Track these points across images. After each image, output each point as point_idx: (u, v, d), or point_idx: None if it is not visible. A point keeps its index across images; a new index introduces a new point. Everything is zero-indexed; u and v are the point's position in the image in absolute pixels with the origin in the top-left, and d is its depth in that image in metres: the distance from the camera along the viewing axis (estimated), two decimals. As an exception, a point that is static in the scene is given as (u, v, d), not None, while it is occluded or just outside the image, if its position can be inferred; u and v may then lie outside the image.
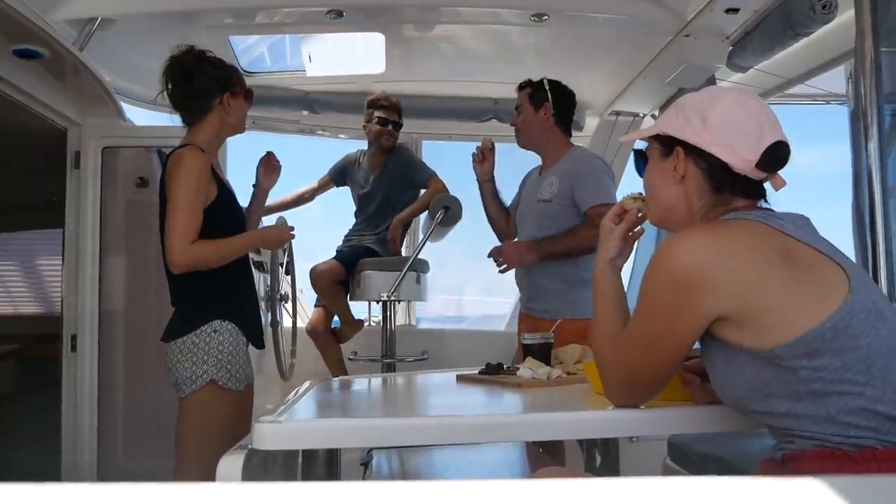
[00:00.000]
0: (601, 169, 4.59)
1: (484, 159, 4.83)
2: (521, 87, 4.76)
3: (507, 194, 5.06)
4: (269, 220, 4.83)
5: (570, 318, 4.17)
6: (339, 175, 6.26)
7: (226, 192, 3.60)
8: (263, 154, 3.98)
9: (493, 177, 4.88)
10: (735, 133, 2.05)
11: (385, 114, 5.89)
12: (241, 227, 3.67)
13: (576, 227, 4.40)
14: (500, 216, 4.97)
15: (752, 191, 2.11)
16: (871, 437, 1.78)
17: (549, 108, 4.63)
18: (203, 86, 3.57)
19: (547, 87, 4.66)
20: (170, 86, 3.60)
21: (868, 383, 1.79)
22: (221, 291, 3.51)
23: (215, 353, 3.38)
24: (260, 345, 3.71)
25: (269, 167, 3.96)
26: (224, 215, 3.54)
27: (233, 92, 3.62)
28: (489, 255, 4.54)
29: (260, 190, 3.99)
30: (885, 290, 3.22)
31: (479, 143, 4.89)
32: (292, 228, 3.88)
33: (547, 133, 4.67)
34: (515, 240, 4.75)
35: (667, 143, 2.19)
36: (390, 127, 5.89)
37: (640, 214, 2.35)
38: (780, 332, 1.82)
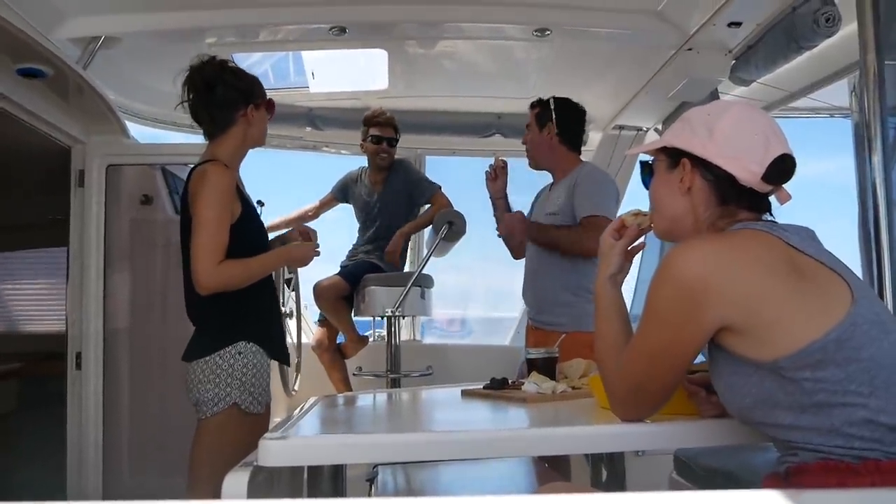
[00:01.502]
0: (603, 182, 4.62)
1: (496, 177, 4.84)
2: (531, 107, 4.78)
3: (516, 207, 5.06)
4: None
5: (578, 330, 4.18)
6: (342, 193, 6.28)
7: (250, 209, 3.53)
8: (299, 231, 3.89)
9: (506, 194, 4.89)
10: (741, 145, 2.06)
11: (379, 131, 5.91)
12: (265, 245, 3.61)
13: (570, 226, 4.42)
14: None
15: (757, 203, 2.12)
16: (875, 448, 1.78)
17: (552, 127, 4.66)
18: (227, 97, 3.46)
19: (552, 107, 4.67)
20: (191, 96, 3.47)
21: (872, 394, 1.79)
22: (246, 312, 3.41)
23: (239, 375, 3.30)
24: (286, 361, 3.65)
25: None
26: (249, 233, 3.46)
27: (256, 104, 3.53)
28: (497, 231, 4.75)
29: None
30: (891, 303, 3.21)
31: (491, 161, 4.90)
32: (317, 245, 3.79)
33: (552, 152, 4.70)
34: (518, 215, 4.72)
35: (673, 156, 2.19)
36: (384, 144, 5.90)
37: (640, 228, 2.35)
38: (784, 343, 1.82)
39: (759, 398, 1.89)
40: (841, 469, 1.78)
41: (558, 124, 4.66)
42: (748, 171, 2.04)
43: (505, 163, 4.87)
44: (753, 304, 1.86)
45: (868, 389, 1.79)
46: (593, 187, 4.53)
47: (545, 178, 4.91)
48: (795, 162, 2.08)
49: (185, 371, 3.42)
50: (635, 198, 6.68)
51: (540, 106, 4.74)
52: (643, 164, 2.38)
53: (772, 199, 2.16)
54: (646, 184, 2.35)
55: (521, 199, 5.03)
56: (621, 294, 2.34)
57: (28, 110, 4.31)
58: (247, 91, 3.52)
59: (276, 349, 3.58)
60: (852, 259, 3.96)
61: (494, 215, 4.95)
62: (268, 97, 3.64)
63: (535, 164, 4.82)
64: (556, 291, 4.54)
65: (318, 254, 3.77)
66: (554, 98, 4.72)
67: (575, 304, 4.44)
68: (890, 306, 3.23)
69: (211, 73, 3.46)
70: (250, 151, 3.63)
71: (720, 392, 2.05)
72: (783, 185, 2.12)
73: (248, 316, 3.43)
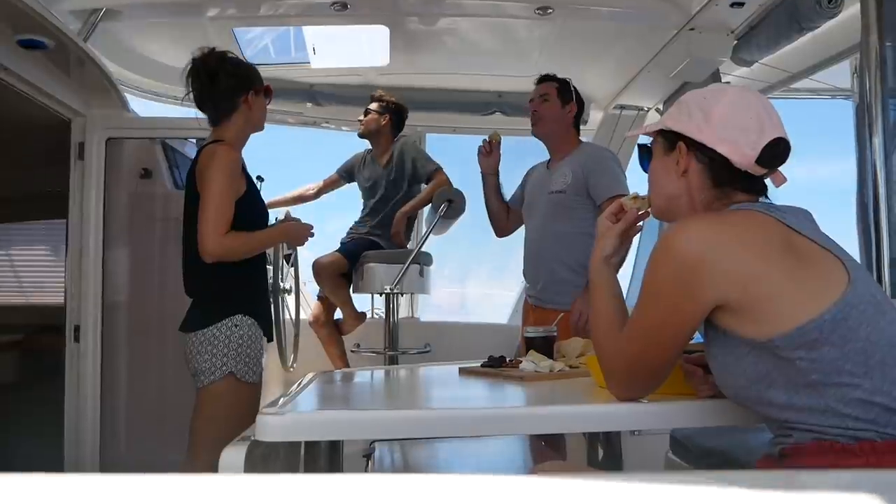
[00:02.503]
0: (614, 161, 4.69)
1: (490, 152, 4.85)
2: (547, 78, 4.81)
3: (511, 186, 5.07)
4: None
5: None
6: (347, 173, 6.28)
7: (253, 189, 3.68)
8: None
9: (497, 171, 4.91)
10: (736, 129, 2.07)
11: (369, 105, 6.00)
12: (265, 223, 3.78)
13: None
14: (501, 211, 5.01)
15: (752, 186, 2.13)
16: (870, 429, 1.79)
17: (573, 107, 4.74)
18: (228, 85, 3.63)
19: (573, 88, 4.77)
20: (197, 86, 3.66)
21: (866, 374, 1.80)
22: (242, 286, 3.60)
23: (235, 346, 3.45)
24: (270, 337, 3.76)
25: None
26: (252, 210, 3.61)
27: (256, 90, 3.69)
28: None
29: None
30: (888, 283, 3.21)
31: (486, 136, 4.91)
32: (311, 227, 3.95)
33: (565, 129, 4.77)
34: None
35: (670, 138, 2.21)
36: (361, 116, 5.98)
37: (639, 213, 2.36)
38: (779, 322, 1.83)
39: (753, 378, 1.90)
40: (836, 450, 1.79)
41: (578, 106, 4.74)
42: (742, 154, 2.06)
43: (500, 138, 4.89)
44: (749, 282, 1.86)
45: (863, 369, 1.80)
46: (606, 166, 4.62)
47: (536, 156, 4.94)
48: (790, 145, 2.09)
49: (183, 342, 3.54)
50: (635, 176, 6.69)
51: (560, 83, 4.77)
52: (641, 147, 2.40)
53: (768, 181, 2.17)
54: (644, 167, 2.37)
55: (512, 176, 5.05)
56: (615, 275, 2.36)
57: (28, 82, 4.30)
58: (246, 77, 3.70)
59: (267, 324, 3.72)
60: (850, 241, 3.96)
61: (483, 191, 4.98)
62: (265, 84, 3.78)
63: (542, 134, 4.84)
64: (558, 269, 4.55)
65: (312, 234, 3.98)
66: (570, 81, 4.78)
67: (575, 282, 4.45)
68: (888, 287, 3.23)
69: (213, 63, 3.64)
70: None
71: (715, 371, 2.06)
72: (779, 168, 2.13)
73: (244, 290, 3.61)
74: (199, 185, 3.48)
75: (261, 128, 3.82)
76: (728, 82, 5.37)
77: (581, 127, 4.86)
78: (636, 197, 2.39)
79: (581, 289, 4.38)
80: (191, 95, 3.67)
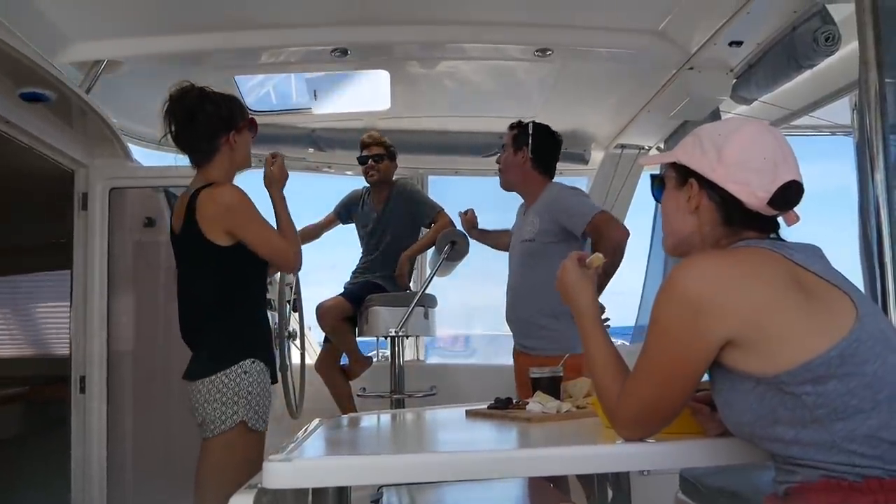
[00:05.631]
0: (572, 192, 4.72)
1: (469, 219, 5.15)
2: (510, 128, 4.84)
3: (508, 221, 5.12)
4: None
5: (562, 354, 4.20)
6: (345, 212, 6.28)
7: None
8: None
9: (476, 223, 5.28)
10: (749, 170, 2.06)
11: (365, 151, 5.99)
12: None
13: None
14: (500, 240, 5.17)
15: (764, 225, 2.12)
16: (877, 466, 1.78)
17: (526, 152, 4.72)
18: (208, 126, 3.55)
19: (530, 131, 4.73)
20: (173, 128, 3.57)
21: (874, 409, 1.79)
22: (252, 331, 3.52)
23: (245, 393, 3.36)
24: (274, 379, 3.71)
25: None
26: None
27: (238, 128, 3.62)
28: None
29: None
30: (895, 321, 3.20)
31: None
32: (272, 155, 3.80)
33: (523, 175, 4.79)
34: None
35: (683, 173, 2.20)
36: (370, 161, 5.95)
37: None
38: (787, 358, 1.82)
39: (760, 414, 1.89)
40: (843, 488, 1.78)
41: (533, 150, 4.70)
42: (754, 196, 2.05)
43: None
44: (757, 318, 1.86)
45: (870, 405, 1.79)
46: (569, 200, 4.63)
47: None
48: (803, 189, 2.08)
49: (188, 391, 3.45)
50: (639, 211, 6.72)
51: (518, 128, 4.80)
52: (654, 177, 2.39)
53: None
54: (656, 197, 2.36)
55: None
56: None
57: (31, 134, 4.32)
58: (227, 118, 3.60)
59: (273, 368, 3.64)
60: (854, 277, 3.96)
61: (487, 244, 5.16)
62: (249, 116, 3.72)
63: (506, 185, 4.89)
64: (536, 315, 4.55)
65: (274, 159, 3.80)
66: (533, 123, 4.76)
67: (552, 326, 4.43)
68: (894, 323, 3.22)
69: (191, 103, 3.55)
70: (253, 174, 3.72)
71: (721, 409, 2.04)
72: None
73: (251, 334, 3.52)
74: (218, 230, 3.39)
75: (247, 165, 3.73)
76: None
77: (583, 166, 4.87)
78: (598, 259, 2.47)
79: (557, 333, 4.38)
80: (169, 137, 3.60)
